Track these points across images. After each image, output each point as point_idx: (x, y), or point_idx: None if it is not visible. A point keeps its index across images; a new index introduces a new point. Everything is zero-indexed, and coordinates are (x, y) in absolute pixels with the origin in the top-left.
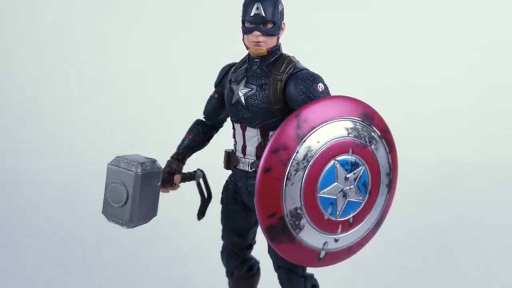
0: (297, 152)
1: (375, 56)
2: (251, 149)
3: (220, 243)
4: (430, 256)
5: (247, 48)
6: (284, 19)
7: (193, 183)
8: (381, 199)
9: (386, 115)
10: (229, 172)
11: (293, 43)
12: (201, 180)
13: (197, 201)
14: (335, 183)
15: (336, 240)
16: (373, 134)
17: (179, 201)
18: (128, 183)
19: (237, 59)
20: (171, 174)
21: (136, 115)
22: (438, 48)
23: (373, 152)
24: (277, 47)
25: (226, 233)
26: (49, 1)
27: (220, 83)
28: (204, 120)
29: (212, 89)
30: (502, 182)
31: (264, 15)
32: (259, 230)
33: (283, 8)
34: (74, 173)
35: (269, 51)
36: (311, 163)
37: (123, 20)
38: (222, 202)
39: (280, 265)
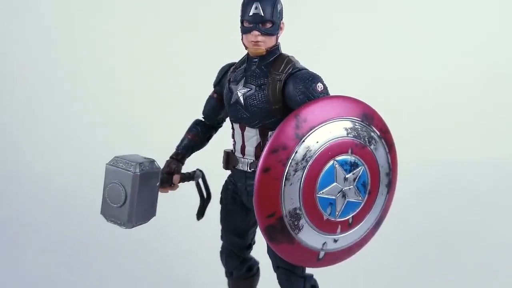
0: (296, 152)
1: (374, 56)
2: (250, 149)
3: (219, 243)
4: (430, 256)
5: (246, 48)
6: (283, 19)
7: (192, 183)
8: (381, 199)
9: (385, 114)
10: (228, 172)
11: (292, 42)
12: (200, 180)
13: (196, 201)
14: (334, 183)
15: (335, 241)
16: (372, 134)
17: (178, 201)
18: (126, 183)
19: (237, 59)
20: (170, 174)
21: (136, 115)
22: (438, 47)
23: (372, 152)
24: (276, 47)
25: (226, 233)
26: (51, 0)
27: (219, 83)
28: (203, 120)
29: (211, 89)
30: (502, 180)
31: (263, 14)
32: (258, 230)
33: (282, 8)
34: (74, 173)
35: (268, 51)
36: (310, 163)
37: (123, 20)
38: (221, 202)
39: (280, 266)
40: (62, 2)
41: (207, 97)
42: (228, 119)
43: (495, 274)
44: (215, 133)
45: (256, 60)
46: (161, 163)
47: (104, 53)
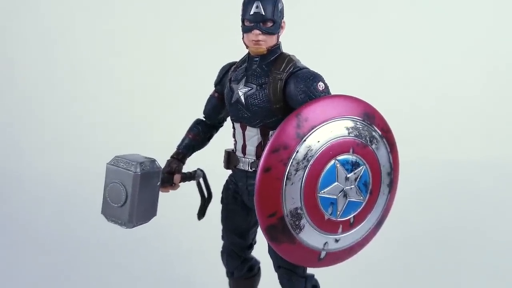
0: (297, 152)
1: (375, 55)
2: (251, 148)
3: (220, 243)
4: (430, 256)
5: (247, 47)
6: (284, 18)
7: (193, 183)
8: (382, 199)
9: (385, 114)
10: (229, 171)
11: (293, 41)
12: (201, 180)
13: (197, 201)
14: (336, 183)
15: (336, 240)
16: (374, 133)
17: (179, 201)
18: (127, 183)
19: (237, 58)
20: (171, 174)
21: (136, 115)
22: (438, 48)
23: (374, 152)
24: (277, 46)
25: (226, 233)
26: (51, 0)
27: (220, 82)
28: (204, 119)
29: (212, 89)
30: (502, 179)
31: (263, 13)
32: (259, 230)
33: (283, 7)
34: (74, 173)
35: (269, 50)
36: (311, 162)
37: (123, 20)
38: (222, 201)
39: (281, 265)
40: (62, 2)
41: (207, 96)
42: (229, 119)
43: (496, 273)
44: (216, 132)
45: (257, 59)
46: (162, 162)
47: (104, 53)
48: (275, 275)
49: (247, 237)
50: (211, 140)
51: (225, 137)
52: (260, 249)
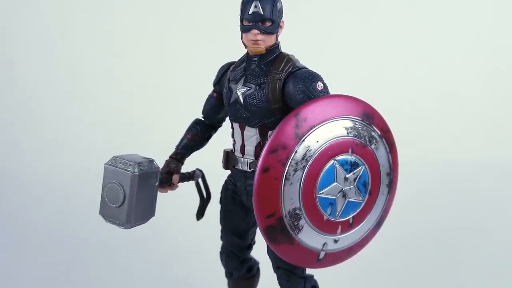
0: (296, 152)
1: (375, 55)
2: (250, 148)
3: (219, 243)
4: (430, 256)
5: (246, 46)
6: (283, 17)
7: (192, 183)
8: (382, 199)
9: (385, 114)
10: (228, 172)
11: (292, 41)
12: (200, 180)
13: (196, 201)
14: (335, 183)
15: (335, 241)
16: (373, 133)
17: (178, 201)
18: (125, 183)
19: (236, 58)
20: (169, 174)
21: (136, 115)
22: (438, 48)
23: (373, 152)
24: (276, 46)
25: (225, 233)
26: (51, 0)
27: (219, 82)
28: (203, 119)
29: (211, 88)
30: (502, 179)
31: (262, 13)
32: (258, 231)
33: (282, 6)
34: (74, 173)
35: (267, 50)
36: (310, 162)
37: (123, 20)
38: (221, 202)
39: (280, 266)
40: (62, 2)
41: (207, 96)
42: (227, 119)
43: (496, 273)
44: (214, 132)
45: (256, 59)
46: (161, 163)
47: (104, 53)
48: (274, 275)
49: (246, 237)
50: (210, 140)
51: (223, 137)
52: (259, 250)
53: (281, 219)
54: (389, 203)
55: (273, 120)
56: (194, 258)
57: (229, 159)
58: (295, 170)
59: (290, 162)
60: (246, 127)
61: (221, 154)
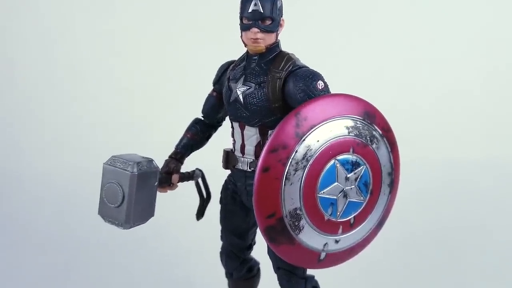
0: (296, 151)
1: (375, 54)
2: (250, 148)
3: (219, 243)
4: (430, 256)
5: (245, 45)
6: (283, 16)
7: (192, 183)
8: (383, 199)
9: (385, 114)
10: (228, 171)
11: (293, 40)
12: (199, 180)
13: (196, 201)
14: (336, 183)
15: (336, 241)
16: (374, 132)
17: (178, 201)
18: (124, 183)
19: (236, 57)
20: (169, 174)
21: (136, 115)
22: (438, 47)
23: (374, 151)
24: (276, 44)
25: (225, 234)
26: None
27: (218, 81)
28: (202, 118)
29: (211, 88)
30: (502, 179)
31: (262, 11)
32: (258, 231)
33: (282, 5)
34: (74, 173)
35: (267, 48)
36: (310, 162)
37: (123, 20)
38: (221, 202)
39: (280, 267)
40: (62, 2)
41: (206, 95)
42: (227, 118)
43: (496, 273)
44: (214, 132)
45: (256, 57)
46: (161, 163)
47: (104, 53)
48: (275, 276)
49: (246, 237)
50: (209, 140)
51: (223, 136)
52: (260, 250)
53: (281, 219)
54: (391, 203)
55: (273, 120)
56: (194, 258)
57: (229, 158)
58: (296, 170)
59: (291, 162)
60: (246, 126)
61: (221, 154)
